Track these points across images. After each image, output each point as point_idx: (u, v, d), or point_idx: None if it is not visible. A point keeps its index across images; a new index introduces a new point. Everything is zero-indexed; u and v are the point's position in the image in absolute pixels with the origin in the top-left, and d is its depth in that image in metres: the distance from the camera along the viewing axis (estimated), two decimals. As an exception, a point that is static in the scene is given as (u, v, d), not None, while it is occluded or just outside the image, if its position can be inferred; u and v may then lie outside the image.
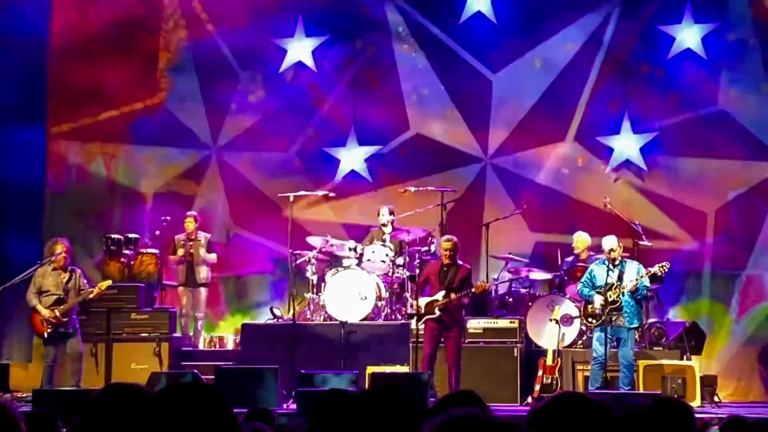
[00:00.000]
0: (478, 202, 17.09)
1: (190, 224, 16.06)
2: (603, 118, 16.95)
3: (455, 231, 16.30)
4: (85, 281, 14.01)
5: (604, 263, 13.32)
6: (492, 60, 17.25)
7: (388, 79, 17.46)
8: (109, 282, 14.08)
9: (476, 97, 17.27)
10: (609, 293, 13.03)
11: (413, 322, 13.60)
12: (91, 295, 13.94)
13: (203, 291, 16.17)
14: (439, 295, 13.36)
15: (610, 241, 13.34)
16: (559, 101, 17.04)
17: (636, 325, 13.34)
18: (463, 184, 17.07)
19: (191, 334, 16.09)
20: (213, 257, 16.19)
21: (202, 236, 16.17)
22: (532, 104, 17.10)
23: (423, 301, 13.48)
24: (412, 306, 13.43)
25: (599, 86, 16.93)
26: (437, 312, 13.29)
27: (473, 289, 13.71)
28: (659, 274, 13.26)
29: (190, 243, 16.01)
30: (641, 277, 13.06)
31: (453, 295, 13.38)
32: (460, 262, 13.74)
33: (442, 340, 13.47)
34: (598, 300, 13.10)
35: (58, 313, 13.60)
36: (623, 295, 13.05)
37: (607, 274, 13.13)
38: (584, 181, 16.96)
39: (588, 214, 16.49)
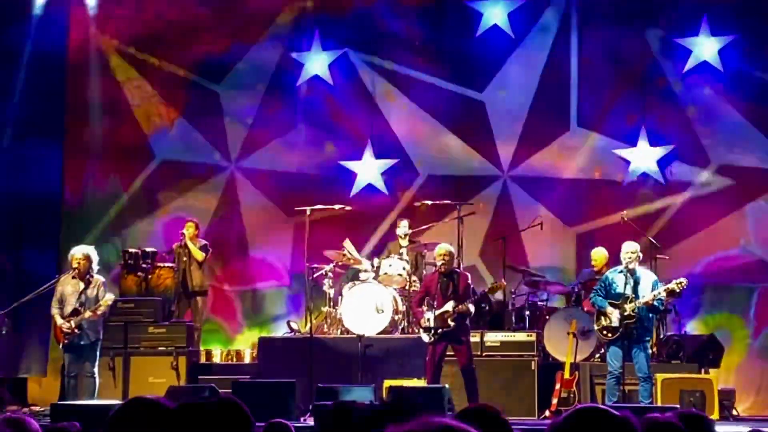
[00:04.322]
0: (495, 214, 17.08)
1: (188, 230, 16.01)
2: (620, 131, 16.93)
3: (472, 244, 16.36)
4: (104, 290, 13.74)
5: (620, 272, 13.16)
6: (509, 74, 17.26)
7: (405, 92, 17.48)
8: (110, 299, 13.65)
9: (492, 111, 17.27)
10: (625, 306, 12.92)
11: (426, 336, 13.42)
12: (99, 311, 13.65)
13: (200, 300, 16.15)
14: (449, 306, 13.22)
15: (630, 247, 13.16)
16: (577, 114, 17.03)
17: (648, 338, 13.26)
18: (480, 197, 17.05)
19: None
20: (201, 255, 16.04)
21: (197, 244, 16.06)
22: (548, 118, 17.10)
23: (431, 314, 13.32)
24: (428, 320, 13.28)
25: (616, 99, 16.91)
26: (451, 323, 13.20)
27: (488, 291, 13.74)
28: (677, 290, 13.15)
29: (186, 250, 15.97)
30: (658, 293, 12.93)
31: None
32: (458, 270, 13.69)
33: (450, 353, 13.41)
34: (614, 314, 12.97)
35: (72, 324, 13.48)
36: (640, 310, 12.92)
37: (625, 284, 12.99)
38: (601, 195, 16.92)
39: (605, 227, 16.48)
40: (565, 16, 17.10)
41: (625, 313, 12.88)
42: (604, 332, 13.12)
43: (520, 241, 16.62)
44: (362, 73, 17.63)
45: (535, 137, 17.11)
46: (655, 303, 12.99)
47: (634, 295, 12.93)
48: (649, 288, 12.96)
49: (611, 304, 12.98)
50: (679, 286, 12.95)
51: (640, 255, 13.24)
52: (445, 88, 17.42)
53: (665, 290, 12.95)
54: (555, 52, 17.12)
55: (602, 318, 13.09)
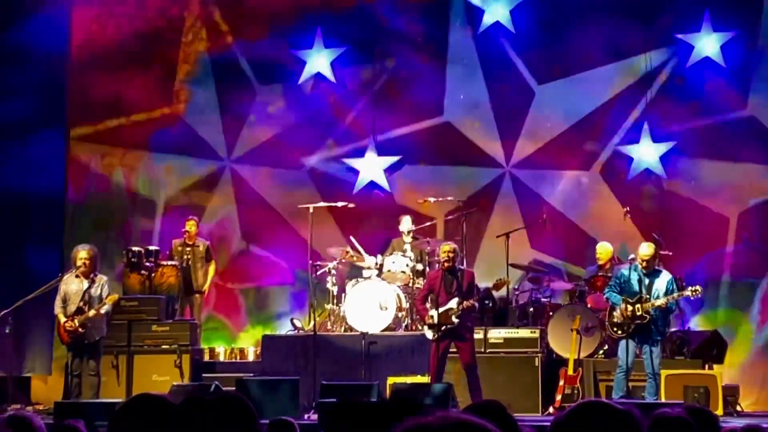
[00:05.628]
0: (499, 210, 17.07)
1: (191, 227, 16.06)
2: (622, 126, 16.91)
3: (474, 240, 16.35)
4: (108, 289, 13.66)
5: (636, 271, 13.11)
6: (510, 70, 17.25)
7: (407, 89, 17.47)
8: (115, 297, 13.71)
9: (494, 106, 17.26)
10: (637, 306, 12.86)
11: (430, 333, 13.35)
12: (103, 310, 13.53)
13: (199, 298, 16.21)
14: (453, 303, 13.21)
15: (646, 252, 13.09)
16: (577, 109, 17.02)
17: (660, 338, 13.22)
18: (484, 192, 17.04)
19: None
20: (212, 268, 16.19)
21: (201, 243, 16.16)
22: (550, 113, 17.09)
23: (435, 312, 13.24)
24: (432, 317, 13.23)
25: (618, 95, 16.90)
26: (455, 320, 13.18)
27: (492, 288, 13.71)
28: (692, 298, 13.13)
29: (188, 248, 16.00)
30: (672, 298, 12.88)
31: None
32: (462, 267, 13.67)
33: (452, 350, 13.40)
34: (626, 311, 12.90)
35: (76, 323, 13.45)
36: (653, 311, 12.85)
37: (640, 283, 12.95)
38: (604, 191, 16.91)
39: (608, 223, 16.46)
40: (567, 12, 17.08)
41: (638, 313, 12.82)
42: (615, 328, 13.08)
43: (523, 237, 16.60)
44: (364, 70, 17.63)
45: (537, 132, 17.10)
46: (669, 306, 12.96)
47: (648, 295, 12.87)
48: (664, 288, 12.90)
49: (625, 301, 12.93)
50: (694, 293, 12.93)
51: (657, 257, 13.20)
52: (446, 85, 17.41)
53: (679, 296, 12.93)
54: (556, 47, 17.11)
55: (614, 314, 13.05)
